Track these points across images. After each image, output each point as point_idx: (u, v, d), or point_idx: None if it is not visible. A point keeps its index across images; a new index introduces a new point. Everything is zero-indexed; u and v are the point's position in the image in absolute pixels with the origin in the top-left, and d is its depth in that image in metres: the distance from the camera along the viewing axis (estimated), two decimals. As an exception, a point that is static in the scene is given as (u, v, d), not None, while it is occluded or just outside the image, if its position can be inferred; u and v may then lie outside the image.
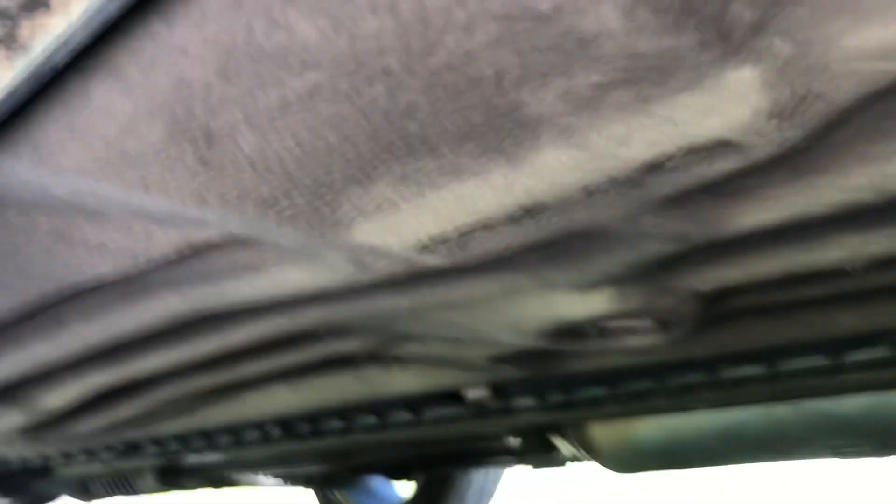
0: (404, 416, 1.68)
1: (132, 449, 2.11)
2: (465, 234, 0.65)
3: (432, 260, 0.70)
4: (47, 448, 2.10)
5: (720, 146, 0.51)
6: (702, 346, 1.18)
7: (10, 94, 0.43)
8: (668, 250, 0.72)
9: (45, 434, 1.72)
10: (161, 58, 0.43)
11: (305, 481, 3.01)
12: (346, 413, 1.75)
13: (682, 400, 1.53)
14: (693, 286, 0.85)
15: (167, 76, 0.44)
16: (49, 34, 0.38)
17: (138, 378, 1.31)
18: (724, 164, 0.54)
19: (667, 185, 0.57)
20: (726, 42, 0.44)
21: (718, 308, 1.01)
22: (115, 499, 2.85)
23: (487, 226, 0.63)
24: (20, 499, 3.10)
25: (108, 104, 0.48)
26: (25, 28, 0.38)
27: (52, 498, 3.17)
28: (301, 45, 0.41)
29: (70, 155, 0.53)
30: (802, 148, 0.54)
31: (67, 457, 2.30)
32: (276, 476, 3.02)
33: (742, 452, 1.92)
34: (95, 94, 0.47)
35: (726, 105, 0.47)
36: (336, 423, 1.77)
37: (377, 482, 3.75)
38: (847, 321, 1.06)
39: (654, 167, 0.54)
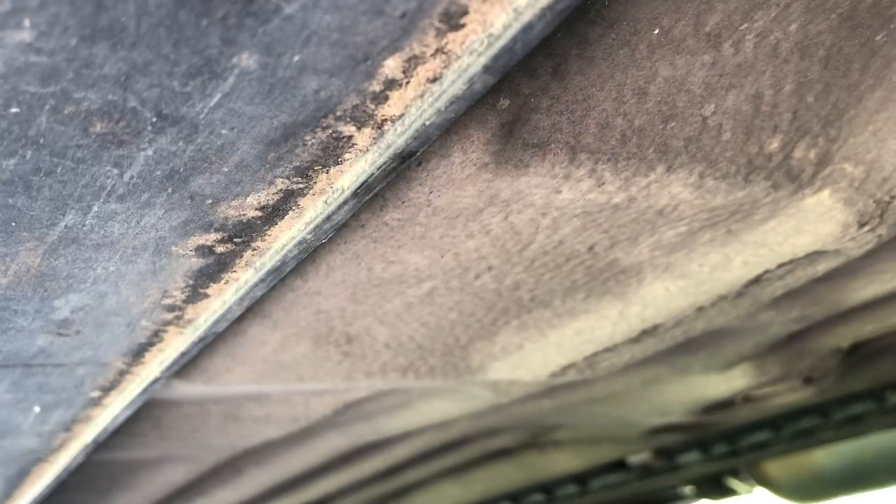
0: (571, 488, 1.68)
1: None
2: (590, 358, 0.68)
3: (564, 380, 0.74)
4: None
5: (817, 254, 0.53)
6: (860, 379, 1.15)
7: (182, 355, 0.51)
8: (795, 328, 0.73)
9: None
10: (300, 300, 0.50)
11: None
12: (515, 496, 1.78)
13: (851, 430, 1.47)
14: (830, 345, 0.84)
15: (307, 310, 0.51)
16: (210, 312, 0.46)
17: (314, 501, 1.40)
18: (826, 265, 0.56)
19: (775, 289, 0.59)
20: (797, 179, 0.46)
21: (864, 350, 0.98)
22: None
23: (609, 349, 0.67)
24: None
25: (261, 336, 0.55)
26: (190, 312, 0.46)
27: None
28: (414, 270, 0.47)
29: (234, 374, 0.61)
30: (889, 241, 0.55)
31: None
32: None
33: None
34: (249, 331, 0.54)
35: (813, 225, 0.49)
36: (505, 506, 1.80)
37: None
38: None
39: (756, 281, 0.56)
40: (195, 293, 0.43)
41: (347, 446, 1.06)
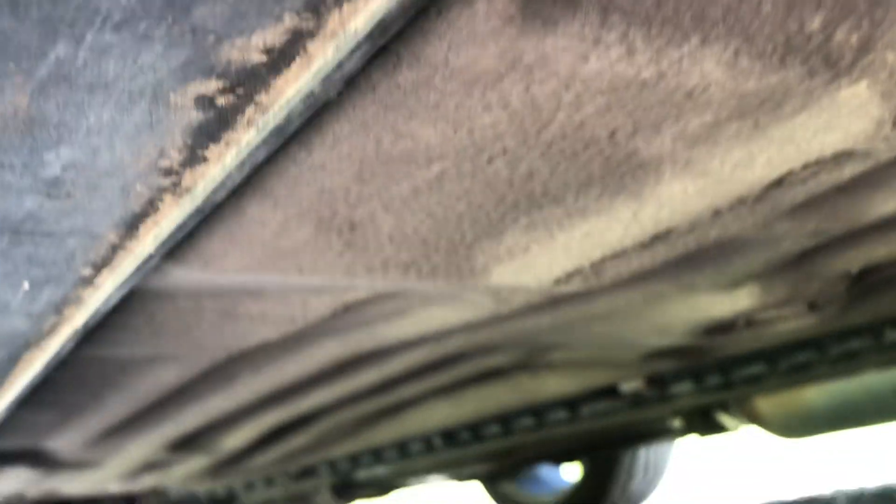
0: (561, 414, 1.70)
1: (307, 472, 2.25)
2: (597, 264, 0.67)
3: (568, 289, 0.72)
4: (231, 481, 2.27)
5: (844, 156, 0.51)
6: (861, 313, 1.14)
7: (179, 228, 0.49)
8: (810, 244, 0.71)
9: (228, 470, 1.87)
10: (303, 175, 0.48)
11: (471, 476, 3.09)
12: (505, 417, 1.79)
13: (846, 366, 1.47)
14: (839, 268, 0.82)
15: (310, 187, 0.49)
16: (209, 180, 0.43)
17: (307, 412, 1.41)
18: (853, 169, 0.53)
19: (796, 195, 0.56)
20: (835, 67, 0.43)
21: (871, 278, 0.97)
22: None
23: (618, 254, 0.65)
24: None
25: (261, 216, 0.53)
26: (188, 178, 0.43)
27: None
28: (425, 146, 0.45)
29: (231, 259, 0.59)
30: None
31: (249, 486, 2.48)
32: (442, 477, 3.11)
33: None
34: (249, 210, 0.52)
35: (845, 120, 0.47)
36: (495, 428, 1.82)
37: (543, 469, 3.78)
38: None
39: (780, 183, 0.54)
40: (193, 155, 0.41)
41: (343, 355, 1.05)
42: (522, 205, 0.56)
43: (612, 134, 0.47)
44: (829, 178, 0.54)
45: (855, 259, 0.80)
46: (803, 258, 0.78)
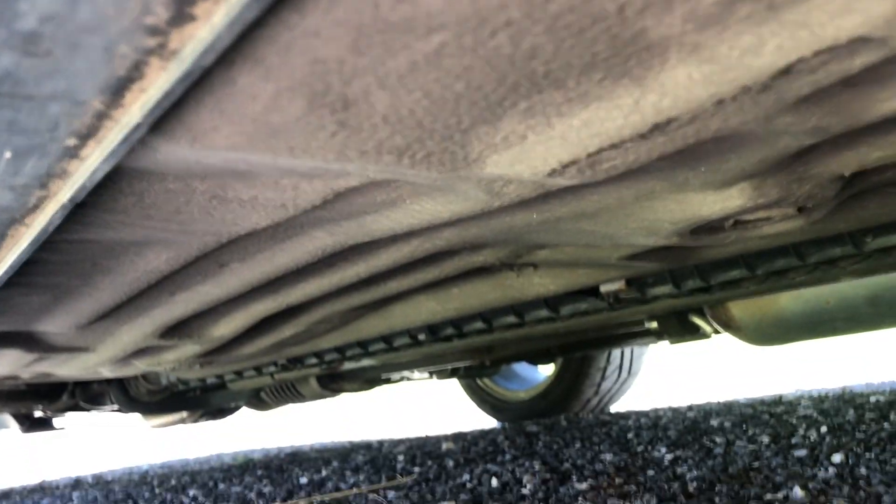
0: (542, 312, 1.72)
1: (295, 362, 2.29)
2: (593, 155, 0.66)
3: (562, 181, 0.72)
4: (221, 369, 2.31)
5: (859, 43, 0.49)
6: (843, 220, 1.14)
7: (166, 95, 0.47)
8: (807, 141, 0.70)
9: (218, 357, 1.90)
10: (296, 42, 0.45)
11: (452, 373, 3.17)
12: (488, 314, 1.82)
13: (825, 273, 1.49)
14: (833, 170, 0.82)
15: (303, 57, 0.47)
16: (197, 41, 0.41)
17: (295, 303, 1.41)
18: (864, 60, 0.52)
19: (802, 86, 0.55)
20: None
21: (859, 184, 0.97)
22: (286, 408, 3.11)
23: (615, 145, 0.64)
24: (200, 412, 3.45)
25: (252, 87, 0.51)
26: (175, 39, 0.41)
27: (231, 411, 3.50)
28: (425, 13, 0.43)
29: (221, 134, 0.57)
30: None
31: (239, 374, 2.52)
32: (425, 372, 3.19)
33: (894, 317, 1.87)
34: (239, 80, 0.50)
35: (865, 2, 0.45)
36: (478, 325, 1.85)
37: (520, 366, 3.89)
38: None
39: (787, 71, 0.52)
40: (180, 13, 0.39)
41: (333, 247, 1.04)
42: (523, 87, 0.54)
43: (622, 9, 0.45)
44: (839, 69, 0.53)
45: (849, 161, 0.80)
46: (799, 158, 0.77)
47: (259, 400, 3.06)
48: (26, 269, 1.03)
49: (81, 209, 0.81)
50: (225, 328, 1.55)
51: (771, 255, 1.38)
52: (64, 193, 0.63)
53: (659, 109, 0.57)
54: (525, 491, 1.70)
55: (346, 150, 0.62)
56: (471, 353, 2.68)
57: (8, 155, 0.55)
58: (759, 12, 0.46)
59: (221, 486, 2.50)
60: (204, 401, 3.09)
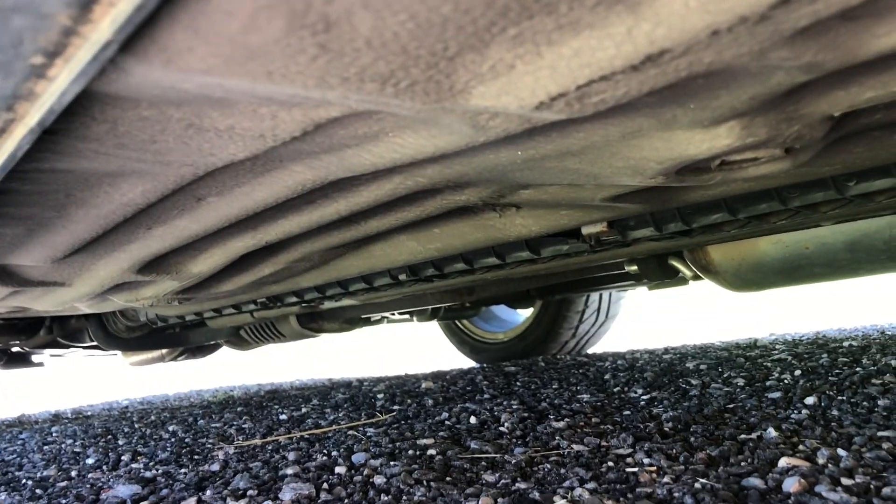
0: (523, 254, 1.72)
1: (274, 300, 2.28)
2: (582, 87, 0.64)
3: (550, 116, 0.70)
4: (200, 306, 2.30)
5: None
6: (828, 163, 1.13)
7: (138, 9, 0.45)
8: (800, 79, 0.68)
9: (196, 294, 1.88)
10: (275, -44, 0.43)
11: (432, 315, 3.19)
12: (469, 255, 1.81)
13: (806, 218, 1.49)
14: (823, 110, 0.81)
15: (283, -27, 0.45)
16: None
17: (274, 240, 1.40)
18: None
19: (800, 17, 0.53)
20: None
21: (847, 127, 0.96)
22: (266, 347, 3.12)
23: (606, 76, 0.62)
24: (181, 350, 3.45)
25: (228, 4, 0.49)
26: (147, -53, 0.39)
27: (210, 350, 3.51)
28: (412, -73, 0.41)
29: (196, 55, 0.55)
30: None
31: (218, 311, 2.51)
32: (405, 314, 3.20)
33: (871, 263, 1.88)
34: (215, -4, 0.48)
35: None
36: (459, 265, 1.84)
37: (499, 308, 3.92)
38: None
39: (772, 9, 0.51)
40: (153, -82, 0.36)
41: (313, 182, 1.02)
42: (513, 12, 0.52)
43: (617, -71, 0.43)
44: (831, 2, 0.51)
45: (840, 101, 0.78)
46: (789, 96, 0.76)
47: (239, 338, 3.06)
48: (-3, 200, 1.01)
49: (52, 136, 0.78)
50: (203, 264, 1.53)
51: (753, 199, 1.37)
52: (32, 117, 0.61)
53: (652, 39, 0.55)
54: (503, 429, 1.73)
55: (326, 77, 0.59)
56: (451, 294, 2.69)
57: (-29, 73, 0.53)
58: (760, -65, 0.44)
59: (201, 421, 2.51)
60: (183, 338, 3.09)
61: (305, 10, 0.49)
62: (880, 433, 1.32)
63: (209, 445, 1.94)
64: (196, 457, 1.79)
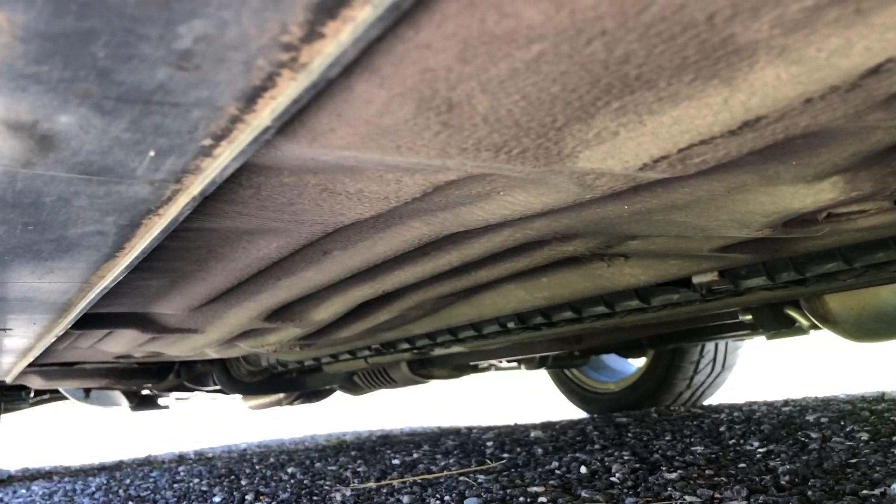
0: (633, 303, 1.73)
1: (388, 347, 2.37)
2: (683, 150, 0.68)
3: (653, 175, 0.74)
4: (318, 352, 2.42)
5: (949, 42, 0.50)
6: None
7: (294, 102, 0.53)
8: (889, 141, 0.70)
9: (317, 341, 1.99)
10: (409, 53, 0.50)
11: (540, 363, 3.20)
12: (577, 304, 1.84)
13: (927, 267, 1.45)
14: (931, 162, 0.81)
15: (414, 66, 0.52)
16: (324, 56, 0.47)
17: (391, 289, 1.48)
18: (956, 56, 0.53)
19: (891, 85, 0.56)
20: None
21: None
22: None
23: (705, 141, 0.66)
24: (296, 394, 3.60)
25: (367, 94, 0.56)
26: (305, 54, 0.47)
27: (325, 394, 3.64)
28: (527, 26, 0.47)
29: (337, 135, 0.63)
30: None
31: (335, 357, 2.63)
32: (513, 361, 3.23)
33: None
34: (357, 88, 0.56)
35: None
36: (567, 314, 1.87)
37: (610, 358, 3.88)
38: None
39: (876, 71, 0.54)
40: (312, 31, 0.44)
41: (428, 236, 1.10)
42: (615, 88, 0.58)
43: (711, 17, 0.48)
44: None
45: (947, 154, 0.79)
46: (892, 151, 0.77)
47: (352, 383, 3.17)
48: (150, 255, 1.13)
49: (203, 200, 0.89)
50: (325, 312, 1.64)
51: (869, 248, 1.35)
52: (195, 187, 0.71)
53: (748, 108, 0.59)
54: (614, 479, 1.73)
55: (447, 148, 0.66)
56: (559, 342, 2.71)
57: (152, 154, 0.63)
58: (847, 16, 0.48)
59: (318, 464, 2.61)
60: (300, 383, 3.23)
61: (432, 96, 0.56)
62: None
63: (326, 487, 2.02)
64: (315, 497, 1.88)
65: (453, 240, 1.19)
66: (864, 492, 1.38)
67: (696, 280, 1.56)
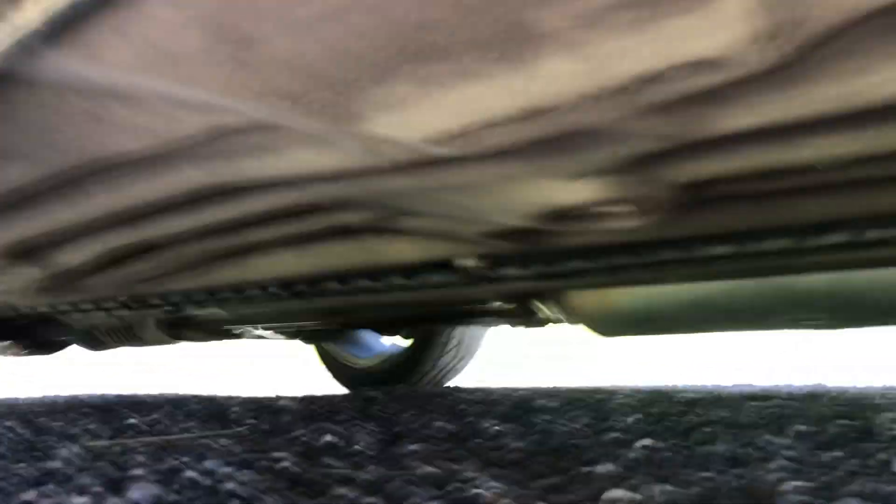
0: (398, 280, 1.78)
1: (137, 301, 2.23)
2: (471, 130, 0.72)
3: (441, 151, 0.77)
4: (58, 298, 2.21)
5: (706, 64, 0.58)
6: (677, 227, 1.27)
7: (71, 7, 0.49)
8: (653, 147, 0.79)
9: (60, 288, 1.83)
10: (210, -23, 0.48)
11: (302, 335, 3.19)
12: (344, 276, 1.85)
13: (656, 273, 1.64)
14: (673, 178, 0.92)
15: (215, -9, 0.50)
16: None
17: (152, 240, 1.40)
18: (709, 79, 0.61)
19: (656, 94, 0.63)
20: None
21: (695, 195, 1.09)
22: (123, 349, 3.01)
23: (491, 124, 0.70)
24: (26, 344, 3.27)
25: (158, 13, 0.53)
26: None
27: (60, 346, 3.34)
28: (338, -27, 0.47)
29: (118, 55, 0.59)
30: (782, 65, 0.60)
31: (75, 306, 2.42)
32: (275, 331, 3.18)
33: (710, 322, 2.06)
34: (146, 4, 0.52)
35: (714, 29, 0.53)
36: (334, 285, 1.88)
37: (367, 336, 3.95)
38: (812, 209, 1.15)
39: (645, 80, 0.60)
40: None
41: (202, 185, 1.05)
42: (413, 54, 0.59)
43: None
44: (685, 84, 0.61)
45: (689, 171, 0.90)
46: (645, 161, 0.87)
47: (93, 337, 2.94)
48: None
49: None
50: (73, 255, 1.50)
51: (610, 251, 1.50)
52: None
53: (531, 97, 0.63)
54: (358, 447, 1.77)
55: (239, 88, 0.64)
56: (318, 315, 2.71)
57: None
58: (629, 24, 0.54)
59: (42, 418, 2.40)
60: (32, 331, 2.93)
61: (231, 28, 0.54)
62: (703, 474, 1.46)
63: (52, 442, 1.86)
64: (36, 453, 1.72)
65: (228, 194, 1.14)
66: (581, 469, 1.53)
67: (456, 262, 1.63)
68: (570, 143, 0.78)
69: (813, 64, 0.61)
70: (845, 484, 1.39)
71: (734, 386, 3.45)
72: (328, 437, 1.93)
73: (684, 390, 3.04)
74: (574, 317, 2.21)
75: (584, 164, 0.84)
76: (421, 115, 0.70)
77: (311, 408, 2.60)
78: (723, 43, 0.54)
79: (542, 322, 2.73)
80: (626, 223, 1.08)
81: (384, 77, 0.64)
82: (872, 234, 1.23)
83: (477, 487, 1.37)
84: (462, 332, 3.64)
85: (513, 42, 0.57)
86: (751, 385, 3.39)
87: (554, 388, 3.31)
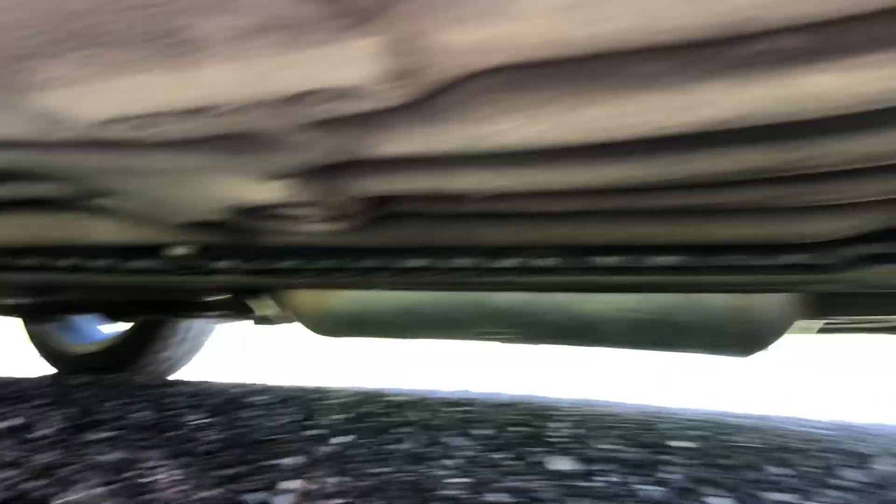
0: (102, 262, 1.71)
1: None
2: (137, 119, 0.74)
3: (108, 134, 0.79)
4: None
5: (345, 93, 0.66)
6: (376, 236, 1.37)
7: None
8: (326, 159, 0.86)
9: None
10: None
11: (11, 311, 2.93)
12: (45, 251, 1.74)
13: (364, 280, 1.74)
14: (354, 190, 1.00)
15: None
16: None
17: None
18: (354, 106, 0.69)
19: (311, 111, 0.70)
20: (348, 17, 0.57)
21: (385, 209, 1.19)
22: None
23: (157, 115, 0.73)
24: None
25: None
26: None
27: None
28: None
29: None
30: (413, 104, 0.70)
31: None
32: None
33: (418, 329, 2.20)
34: None
35: (345, 64, 0.61)
36: (34, 260, 1.76)
37: (83, 321, 3.71)
38: (488, 235, 1.30)
39: (298, 96, 0.67)
40: None
41: None
42: (80, 38, 0.61)
43: (165, 3, 0.55)
44: (330, 109, 0.69)
45: (366, 186, 0.99)
46: (326, 170, 0.94)
47: None
48: None
49: None
50: None
51: (321, 254, 1.56)
52: None
53: (190, 97, 0.68)
54: (43, 432, 1.68)
55: None
56: (30, 290, 2.51)
57: None
58: (273, 47, 0.60)
59: None
60: None
61: None
62: (382, 468, 1.57)
63: None
64: None
65: None
66: (269, 462, 1.59)
67: (166, 252, 1.61)
68: (249, 143, 0.83)
69: (443, 106, 0.72)
70: (500, 480, 1.57)
71: (435, 391, 3.69)
72: (12, 421, 1.81)
73: (396, 393, 3.20)
74: (292, 315, 2.26)
75: (265, 165, 0.89)
76: (90, 98, 0.71)
77: (4, 391, 2.40)
78: (356, 76, 0.63)
79: (267, 320, 2.75)
80: (316, 227, 1.15)
81: (52, 53, 0.65)
82: (540, 262, 1.41)
83: (157, 475, 1.37)
84: (188, 326, 3.54)
85: (172, 42, 0.61)
86: (466, 391, 3.65)
87: (272, 385, 3.33)
